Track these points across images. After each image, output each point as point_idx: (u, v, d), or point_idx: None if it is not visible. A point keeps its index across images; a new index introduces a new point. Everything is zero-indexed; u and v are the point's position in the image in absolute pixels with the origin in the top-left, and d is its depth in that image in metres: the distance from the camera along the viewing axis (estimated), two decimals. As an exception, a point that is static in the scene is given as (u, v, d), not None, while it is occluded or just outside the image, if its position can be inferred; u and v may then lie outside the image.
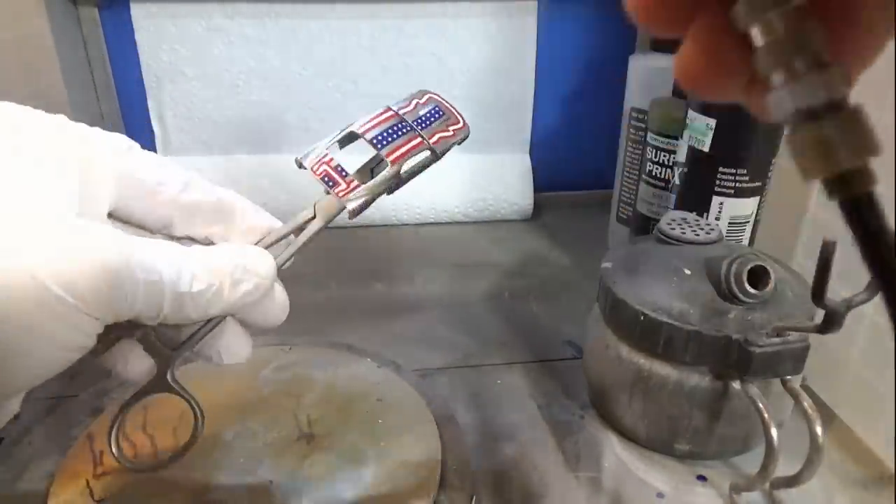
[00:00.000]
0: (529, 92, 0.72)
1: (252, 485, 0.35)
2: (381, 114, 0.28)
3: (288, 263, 0.27)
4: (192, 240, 0.27)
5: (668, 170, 0.52)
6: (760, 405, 0.34)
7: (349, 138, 0.28)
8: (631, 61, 0.59)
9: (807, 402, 0.33)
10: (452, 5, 0.67)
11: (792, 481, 0.34)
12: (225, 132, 0.69)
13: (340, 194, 0.26)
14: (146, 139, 0.69)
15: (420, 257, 0.66)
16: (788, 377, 0.35)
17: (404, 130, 0.28)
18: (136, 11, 0.64)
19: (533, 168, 0.74)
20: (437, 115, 0.29)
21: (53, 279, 0.19)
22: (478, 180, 0.72)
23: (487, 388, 0.46)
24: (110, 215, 0.26)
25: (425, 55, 0.68)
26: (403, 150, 0.27)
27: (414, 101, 0.29)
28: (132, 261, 0.21)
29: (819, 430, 0.33)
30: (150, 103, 0.68)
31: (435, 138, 0.28)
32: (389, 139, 0.27)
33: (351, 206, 0.26)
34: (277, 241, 0.27)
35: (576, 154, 0.77)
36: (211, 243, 0.27)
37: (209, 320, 0.25)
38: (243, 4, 0.64)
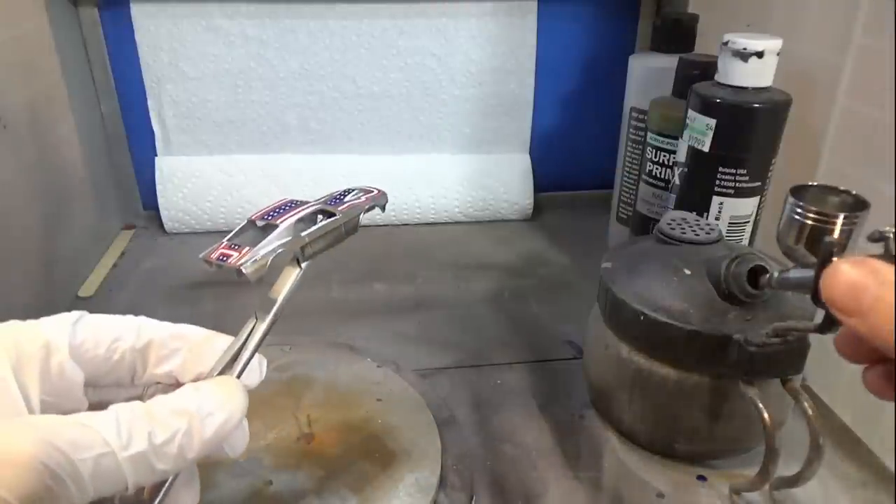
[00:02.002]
0: (529, 92, 0.72)
1: (252, 485, 0.35)
2: (278, 203, 0.29)
3: (254, 376, 0.27)
4: (158, 383, 0.27)
5: (668, 170, 0.52)
6: (760, 405, 0.34)
7: (244, 228, 0.28)
8: (631, 61, 0.59)
9: (807, 402, 0.33)
10: (452, 5, 0.67)
11: (792, 481, 0.34)
12: (225, 132, 0.69)
13: (233, 262, 0.26)
14: (146, 139, 0.69)
15: (420, 257, 0.66)
16: (788, 377, 0.35)
17: (298, 204, 0.29)
18: (136, 11, 0.63)
19: (533, 168, 0.74)
20: (351, 193, 0.31)
21: None
22: (478, 180, 0.72)
23: (487, 388, 0.46)
24: (88, 387, 0.26)
25: (425, 55, 0.68)
26: (297, 217, 0.28)
27: (326, 197, 0.31)
28: (60, 446, 0.19)
29: (819, 430, 0.33)
30: (150, 103, 0.68)
31: (342, 206, 0.30)
32: (280, 212, 0.28)
33: (246, 269, 0.26)
34: (234, 358, 0.27)
35: (576, 154, 0.77)
36: (177, 381, 0.27)
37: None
38: (243, 4, 0.64)
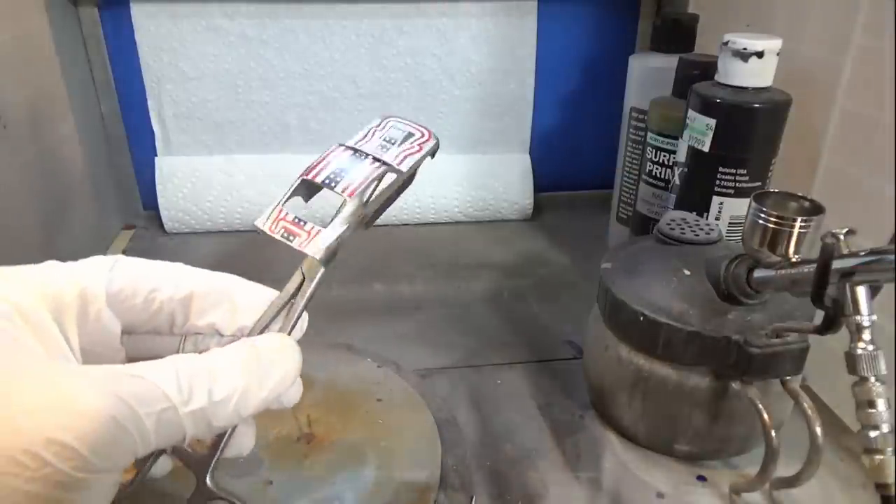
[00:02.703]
0: (529, 92, 0.72)
1: (252, 485, 0.35)
2: (331, 152, 0.27)
3: (297, 333, 0.26)
4: (198, 333, 0.27)
5: (668, 170, 0.52)
6: (760, 405, 0.34)
7: (303, 188, 0.26)
8: (631, 61, 0.59)
9: (807, 403, 0.33)
10: (452, 5, 0.67)
11: (792, 481, 0.34)
12: (225, 132, 0.69)
13: (302, 246, 0.25)
14: (146, 139, 0.69)
15: (420, 257, 0.66)
16: (788, 377, 0.35)
17: (359, 161, 0.26)
18: (136, 11, 0.63)
19: (533, 168, 0.74)
20: (399, 137, 0.28)
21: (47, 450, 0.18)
22: (478, 180, 0.72)
23: (487, 388, 0.46)
24: (124, 335, 0.25)
25: (425, 55, 0.68)
26: (360, 179, 0.26)
27: (371, 131, 0.28)
28: (127, 399, 0.19)
29: (819, 430, 0.33)
30: (150, 103, 0.68)
31: (398, 158, 0.27)
32: (342, 174, 0.26)
33: (316, 255, 0.25)
34: (278, 313, 0.26)
35: (576, 154, 0.77)
36: (218, 332, 0.27)
37: None
38: (243, 4, 0.64)
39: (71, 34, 0.63)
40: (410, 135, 0.28)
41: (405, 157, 0.27)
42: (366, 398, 0.42)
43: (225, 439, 0.25)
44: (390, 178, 0.26)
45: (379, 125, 0.28)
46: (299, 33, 0.66)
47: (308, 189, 0.26)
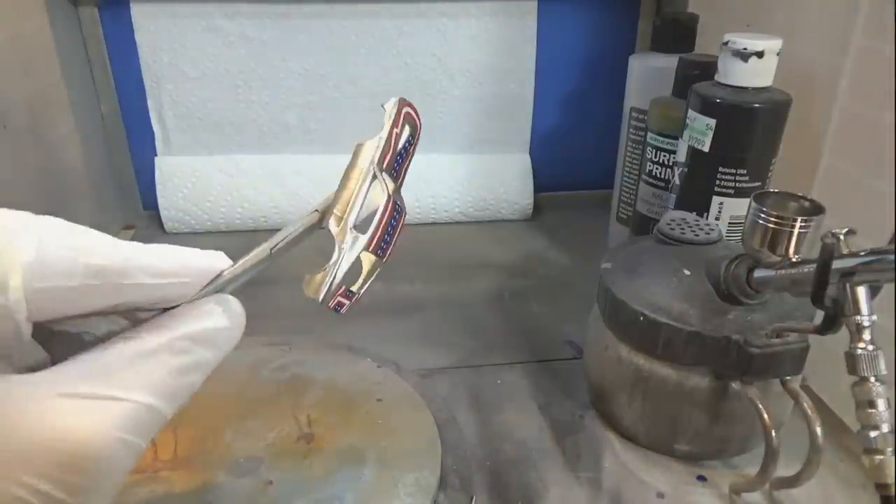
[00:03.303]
0: (529, 92, 0.72)
1: (252, 485, 0.35)
2: (385, 212, 0.26)
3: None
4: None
5: (668, 170, 0.52)
6: (760, 406, 0.34)
7: (354, 249, 0.26)
8: (631, 61, 0.59)
9: (807, 403, 0.33)
10: (452, 5, 0.67)
11: (792, 481, 0.34)
12: (225, 132, 0.69)
13: (345, 311, 0.26)
14: (146, 139, 0.69)
15: (420, 257, 0.66)
16: (788, 377, 0.35)
17: (396, 216, 0.26)
18: (136, 11, 0.63)
19: (533, 168, 0.74)
20: (407, 149, 0.27)
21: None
22: (478, 180, 0.72)
23: (487, 388, 0.46)
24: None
25: (425, 55, 0.68)
26: (395, 243, 0.26)
27: (393, 135, 0.26)
28: (127, 439, 0.19)
29: (819, 430, 0.33)
30: (150, 103, 0.68)
31: (400, 180, 0.27)
32: (389, 238, 0.26)
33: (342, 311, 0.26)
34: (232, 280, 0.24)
35: (576, 154, 0.77)
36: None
37: None
38: (243, 4, 0.64)
39: (71, 34, 0.63)
40: (410, 139, 0.27)
41: (403, 180, 0.27)
42: (366, 398, 0.42)
43: None
44: (394, 210, 0.27)
45: (399, 123, 0.27)
46: (299, 33, 0.66)
47: (362, 255, 0.26)
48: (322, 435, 0.38)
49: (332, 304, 0.25)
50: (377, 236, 0.26)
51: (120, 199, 0.71)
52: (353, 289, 0.25)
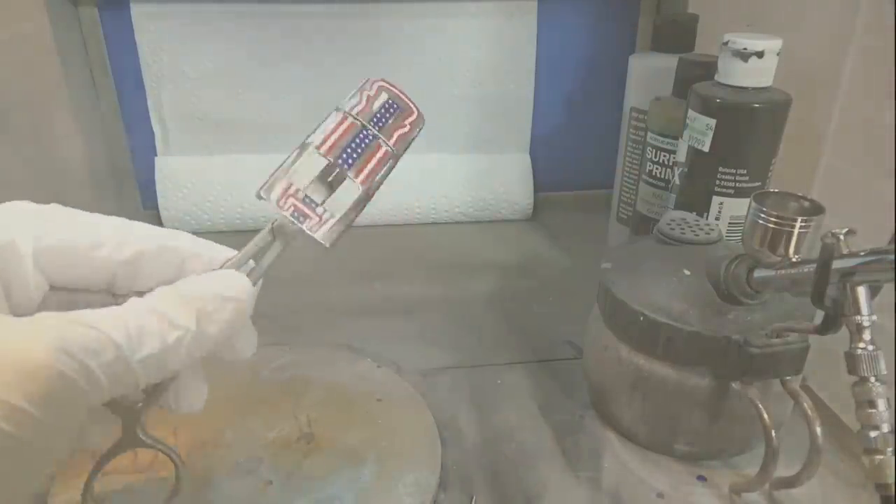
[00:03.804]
0: (529, 92, 0.72)
1: (252, 485, 0.35)
2: (340, 123, 0.26)
3: (254, 289, 0.25)
4: (140, 294, 0.24)
5: (668, 170, 0.52)
6: (760, 406, 0.34)
7: (308, 158, 0.25)
8: (631, 61, 0.59)
9: (807, 403, 0.33)
10: (452, 5, 0.67)
11: (792, 481, 0.34)
12: (225, 132, 0.69)
13: (313, 230, 0.24)
14: (146, 139, 0.69)
15: (420, 257, 0.66)
16: (788, 377, 0.35)
17: (367, 140, 0.25)
18: (136, 11, 0.63)
19: (533, 168, 0.74)
20: (391, 110, 0.27)
21: None
22: (478, 180, 0.72)
23: (487, 388, 0.46)
24: (52, 289, 0.23)
25: (425, 55, 0.68)
26: (371, 165, 0.25)
27: (365, 95, 0.26)
28: (74, 351, 0.18)
29: (819, 430, 0.33)
30: (150, 103, 0.68)
31: (393, 139, 0.26)
32: (355, 154, 0.25)
33: (326, 242, 0.24)
34: (237, 268, 0.25)
35: (576, 154, 0.77)
36: None
37: None
38: (243, 4, 0.64)
39: (71, 34, 0.63)
40: (400, 109, 0.27)
41: (399, 139, 0.26)
42: (366, 398, 0.42)
43: (160, 388, 0.24)
44: (389, 164, 0.26)
45: (371, 90, 0.27)
46: (299, 33, 0.66)
47: (315, 161, 0.25)
48: (322, 435, 0.38)
49: (286, 206, 0.24)
50: (328, 139, 0.25)
51: (120, 199, 0.71)
52: (314, 197, 0.24)
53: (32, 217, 0.22)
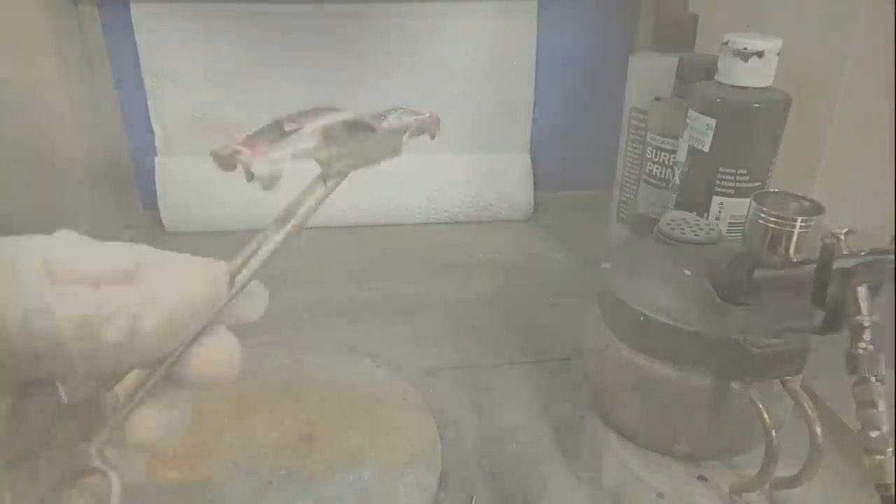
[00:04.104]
0: (529, 92, 0.72)
1: (252, 485, 0.35)
2: (314, 108, 0.25)
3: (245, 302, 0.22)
4: None
5: (669, 170, 0.52)
6: (760, 406, 0.34)
7: (268, 129, 0.23)
8: (631, 61, 0.59)
9: (807, 403, 0.33)
10: (452, 5, 0.67)
11: (792, 482, 0.34)
12: (225, 132, 0.69)
13: (244, 159, 0.22)
14: (146, 139, 0.69)
15: (420, 257, 0.66)
16: (788, 377, 0.35)
17: (335, 112, 0.24)
18: (136, 11, 0.63)
19: (533, 168, 0.74)
20: (395, 112, 0.26)
21: None
22: (478, 180, 0.72)
23: (487, 388, 0.46)
24: None
25: (425, 55, 0.68)
26: (326, 118, 0.24)
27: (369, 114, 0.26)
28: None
29: (819, 430, 0.33)
30: (150, 103, 0.68)
31: (385, 123, 0.25)
32: (311, 115, 0.24)
33: (258, 171, 0.22)
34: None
35: (576, 154, 0.77)
36: None
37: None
38: (243, 4, 0.64)
39: (71, 34, 0.63)
40: (415, 113, 0.27)
41: (393, 121, 0.26)
42: (366, 398, 0.42)
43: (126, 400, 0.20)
44: (364, 129, 0.24)
45: (386, 110, 0.26)
46: (299, 33, 0.66)
47: (277, 132, 0.24)
48: (322, 435, 0.38)
49: (225, 150, 0.22)
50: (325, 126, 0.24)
51: (120, 198, 0.71)
52: (256, 141, 0.23)
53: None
